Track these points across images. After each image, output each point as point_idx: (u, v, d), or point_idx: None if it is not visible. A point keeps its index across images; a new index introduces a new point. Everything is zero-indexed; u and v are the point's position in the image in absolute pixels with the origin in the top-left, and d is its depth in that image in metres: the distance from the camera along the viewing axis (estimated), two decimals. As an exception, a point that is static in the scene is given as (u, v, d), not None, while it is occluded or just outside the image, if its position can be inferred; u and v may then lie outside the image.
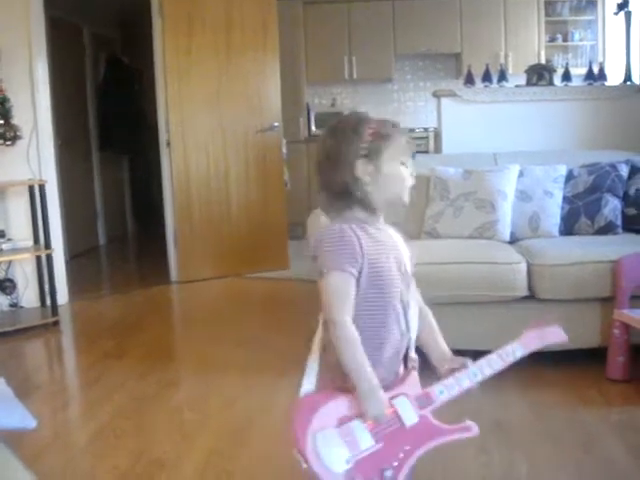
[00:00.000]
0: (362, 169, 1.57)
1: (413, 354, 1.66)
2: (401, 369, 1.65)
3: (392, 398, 1.58)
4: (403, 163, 1.61)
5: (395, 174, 1.60)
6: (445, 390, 1.60)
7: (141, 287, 5.45)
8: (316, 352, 1.67)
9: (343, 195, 1.60)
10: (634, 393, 2.93)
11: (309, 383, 1.63)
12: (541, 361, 3.22)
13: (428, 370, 1.69)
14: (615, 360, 3.11)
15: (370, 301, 1.58)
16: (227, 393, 3.14)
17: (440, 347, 1.71)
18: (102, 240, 7.55)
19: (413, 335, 1.66)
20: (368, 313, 1.59)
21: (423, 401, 1.59)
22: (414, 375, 1.62)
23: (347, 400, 1.57)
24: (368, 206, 1.60)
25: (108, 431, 2.78)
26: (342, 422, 1.56)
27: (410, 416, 1.57)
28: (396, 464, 1.57)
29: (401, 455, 1.57)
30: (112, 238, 7.71)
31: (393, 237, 1.65)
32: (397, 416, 1.57)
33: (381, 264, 1.58)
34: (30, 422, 2.07)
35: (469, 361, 1.64)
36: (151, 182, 7.66)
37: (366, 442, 1.55)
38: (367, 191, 1.59)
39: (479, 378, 1.62)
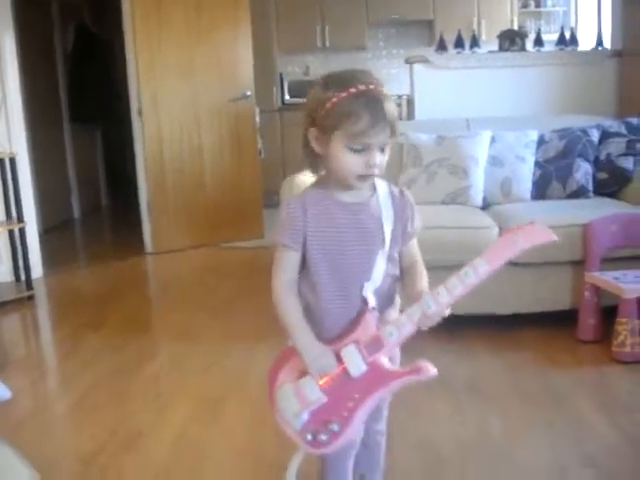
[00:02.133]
0: (314, 137, 1.55)
1: (366, 294, 1.59)
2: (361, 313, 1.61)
3: (342, 348, 1.56)
4: (355, 150, 1.49)
5: (339, 158, 1.51)
6: (395, 330, 1.53)
7: (116, 259, 5.43)
8: None
9: (306, 154, 1.61)
10: (603, 353, 2.99)
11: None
12: (514, 323, 3.29)
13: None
14: (586, 322, 3.16)
15: (320, 263, 1.59)
16: (204, 361, 3.16)
17: (417, 290, 1.62)
18: (76, 213, 7.50)
19: (373, 284, 1.60)
20: (315, 283, 1.61)
21: (373, 347, 1.54)
22: (367, 318, 1.57)
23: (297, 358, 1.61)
24: (317, 172, 1.61)
25: (86, 402, 2.79)
26: (298, 377, 1.60)
27: (357, 366, 1.55)
28: (345, 415, 1.57)
29: (350, 405, 1.57)
30: (86, 210, 7.66)
31: (359, 206, 1.60)
32: (344, 367, 1.56)
33: (330, 234, 1.58)
34: (5, 393, 2.07)
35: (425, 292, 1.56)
36: (125, 153, 7.60)
37: (314, 396, 1.58)
38: (317, 158, 1.58)
39: (433, 309, 1.50)
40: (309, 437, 1.61)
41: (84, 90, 7.40)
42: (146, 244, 5.57)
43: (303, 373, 1.60)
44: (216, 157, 5.69)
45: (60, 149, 7.28)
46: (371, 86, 1.49)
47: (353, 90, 1.47)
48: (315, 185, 1.64)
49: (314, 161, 1.60)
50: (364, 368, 1.55)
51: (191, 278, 4.80)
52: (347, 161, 1.51)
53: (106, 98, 7.75)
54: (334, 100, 1.48)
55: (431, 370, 1.52)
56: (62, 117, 7.34)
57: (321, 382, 1.58)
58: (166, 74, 5.40)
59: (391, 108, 1.49)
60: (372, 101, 1.47)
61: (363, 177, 1.53)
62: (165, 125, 5.45)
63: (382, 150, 1.52)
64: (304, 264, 1.62)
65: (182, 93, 5.49)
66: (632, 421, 2.43)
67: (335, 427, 1.59)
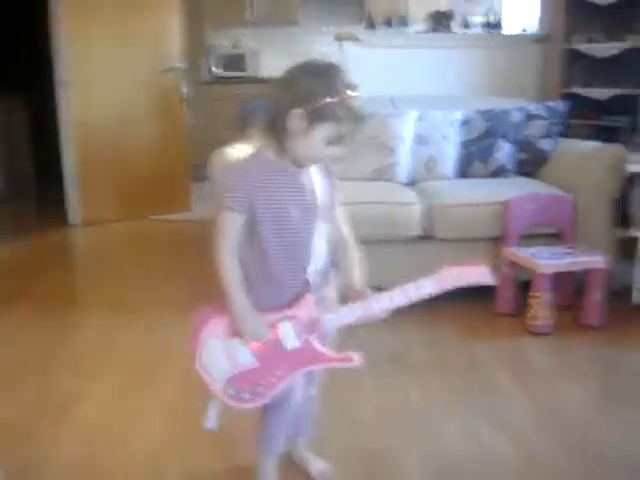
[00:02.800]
0: (296, 118, 1.60)
1: (309, 275, 1.71)
2: (304, 292, 1.72)
3: (279, 320, 1.68)
4: (332, 144, 1.61)
5: (312, 145, 1.61)
6: (335, 319, 1.69)
7: (41, 231, 5.33)
8: None
9: (272, 125, 1.65)
10: (519, 326, 3.14)
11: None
12: (435, 298, 3.39)
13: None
14: (503, 296, 3.30)
15: (264, 231, 1.67)
16: (132, 332, 3.17)
17: (352, 279, 1.78)
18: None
19: (314, 264, 1.73)
20: (264, 240, 1.68)
21: (310, 327, 1.68)
22: (307, 299, 1.69)
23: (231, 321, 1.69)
24: (281, 148, 1.66)
25: (11, 374, 2.76)
26: (229, 336, 1.69)
27: (292, 340, 1.68)
28: (272, 380, 1.69)
29: (278, 373, 1.69)
30: (10, 182, 7.45)
31: (304, 177, 1.70)
32: (279, 338, 1.68)
33: (273, 202, 1.66)
34: None
35: (370, 294, 1.72)
36: (50, 122, 7.41)
37: (245, 359, 1.69)
38: (287, 136, 1.63)
39: (374, 310, 1.69)
40: (231, 392, 1.71)
41: (10, 58, 7.17)
42: (71, 216, 5.48)
43: (231, 333, 1.68)
44: (144, 129, 5.63)
45: (-19, 117, 7.06)
46: (355, 93, 1.61)
47: (350, 95, 1.59)
48: (257, 154, 1.70)
49: (282, 135, 1.64)
50: (298, 344, 1.68)
51: (118, 250, 4.77)
52: (318, 150, 1.63)
53: (31, 65, 7.53)
54: (336, 99, 1.58)
55: (357, 360, 1.69)
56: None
57: (254, 348, 1.67)
58: (94, 44, 5.29)
59: (364, 112, 1.64)
60: (359, 110, 1.61)
61: (317, 161, 1.69)
62: (92, 95, 5.36)
63: None
64: (250, 230, 1.68)
65: (110, 63, 5.39)
66: (542, 388, 2.58)
67: (260, 389, 1.70)
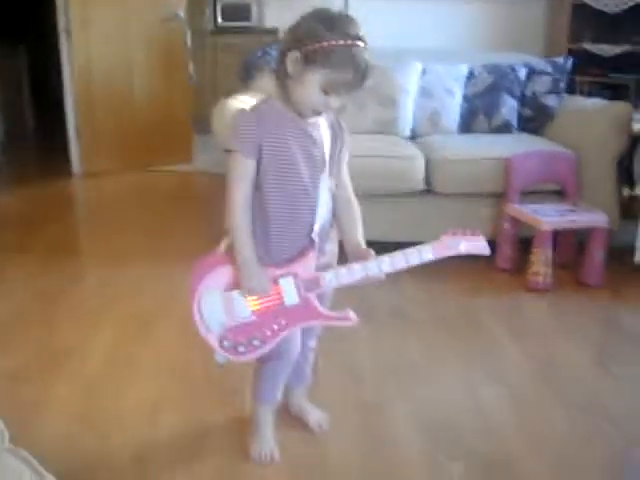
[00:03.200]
0: (292, 61, 1.58)
1: (316, 237, 1.71)
2: (306, 247, 1.72)
3: (281, 276, 1.67)
4: (327, 92, 1.57)
5: (307, 90, 1.58)
6: (335, 278, 1.68)
7: (42, 181, 5.30)
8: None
9: (277, 69, 1.64)
10: (519, 282, 3.14)
11: (224, 246, 1.74)
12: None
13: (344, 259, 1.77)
14: (504, 252, 3.30)
15: (270, 182, 1.66)
16: (132, 284, 3.18)
17: (353, 238, 1.77)
18: (0, 136, 7.26)
19: (318, 219, 1.72)
20: (269, 192, 1.67)
21: (310, 284, 1.68)
22: (309, 257, 1.69)
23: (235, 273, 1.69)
24: (282, 89, 1.64)
25: (12, 325, 2.77)
26: (229, 288, 1.68)
27: (291, 296, 1.68)
28: (268, 334, 1.70)
29: (275, 327, 1.70)
30: (11, 132, 7.41)
31: (313, 129, 1.67)
32: (279, 293, 1.68)
33: (281, 152, 1.64)
34: None
35: (372, 255, 1.71)
36: (51, 72, 7.34)
37: (243, 312, 1.69)
38: (288, 81, 1.61)
39: (374, 272, 1.67)
40: (226, 344, 1.72)
41: (7, 5, 7.08)
42: (73, 166, 5.46)
43: (232, 285, 1.68)
44: (146, 79, 5.57)
45: (-19, 67, 6.99)
46: (360, 44, 1.55)
47: (350, 42, 1.54)
48: (266, 101, 1.69)
49: (283, 80, 1.63)
50: (297, 301, 1.68)
51: (119, 201, 4.76)
52: (313, 96, 1.59)
53: (32, 14, 7.44)
54: (332, 43, 1.53)
55: (353, 320, 1.71)
56: (-18, 32, 7.03)
57: (253, 302, 1.67)
58: (95, -10, 5.22)
59: (370, 64, 1.58)
60: (361, 61, 1.55)
61: (317, 112, 1.63)
62: (94, 45, 5.29)
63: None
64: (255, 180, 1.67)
65: (112, 12, 5.31)
66: (539, 345, 2.60)
67: (256, 342, 1.71)
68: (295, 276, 1.68)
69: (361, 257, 1.71)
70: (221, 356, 1.75)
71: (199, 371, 2.35)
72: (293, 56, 1.57)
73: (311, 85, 1.57)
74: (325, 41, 1.53)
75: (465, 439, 2.01)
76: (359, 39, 1.55)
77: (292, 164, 1.65)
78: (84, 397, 2.21)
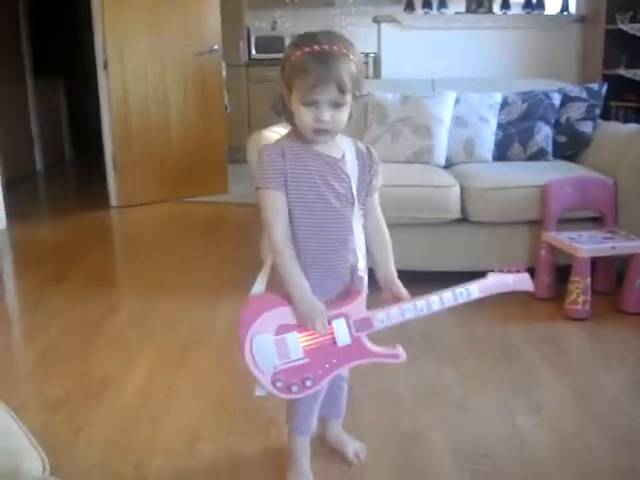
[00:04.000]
0: (284, 93, 1.63)
1: (360, 274, 1.71)
2: (348, 288, 1.73)
3: (332, 317, 1.66)
4: (306, 105, 1.58)
5: (296, 110, 1.60)
6: (386, 319, 1.68)
7: (81, 212, 5.41)
8: (268, 262, 1.75)
9: (283, 110, 1.68)
10: (557, 310, 3.11)
11: (259, 286, 1.72)
12: (472, 280, 3.37)
13: (376, 288, 1.79)
14: (541, 280, 3.27)
15: (296, 221, 1.67)
16: (168, 314, 3.21)
17: (386, 269, 1.77)
18: (39, 165, 7.43)
19: (359, 257, 1.72)
20: (295, 232, 1.67)
21: (361, 326, 1.68)
22: (361, 297, 1.69)
23: (289, 310, 1.67)
24: (293, 124, 1.67)
25: (52, 354, 2.81)
26: (280, 331, 1.66)
27: (344, 337, 1.67)
28: (320, 373, 1.69)
29: (326, 366, 1.69)
30: (50, 163, 7.58)
31: (339, 162, 1.68)
32: (332, 335, 1.67)
33: (306, 185, 1.65)
34: None
35: (406, 294, 1.72)
36: (89, 105, 7.50)
37: (296, 354, 1.67)
38: (290, 112, 1.64)
39: (424, 313, 1.68)
40: (280, 384, 1.69)
41: (48, 41, 7.26)
42: (111, 197, 5.56)
43: (282, 328, 1.67)
44: (182, 111, 5.67)
45: (23, 101, 7.17)
46: (325, 46, 1.55)
47: (307, 49, 1.55)
48: (291, 135, 1.70)
49: (288, 115, 1.67)
50: (349, 341, 1.67)
51: (156, 232, 4.82)
52: (301, 115, 1.60)
53: (70, 49, 7.62)
54: (292, 58, 1.58)
55: (403, 357, 1.73)
56: (25, 68, 7.21)
57: (304, 343, 1.67)
58: (132, 26, 5.34)
59: (340, 67, 1.55)
60: (321, 60, 1.54)
61: (317, 131, 1.61)
62: (130, 78, 5.41)
63: (335, 107, 1.58)
64: None
65: (148, 46, 5.44)
66: (577, 373, 2.56)
67: (309, 383, 1.70)
68: (347, 317, 1.67)
69: (395, 290, 1.73)
70: (260, 390, 1.74)
71: (236, 401, 2.36)
72: (283, 90, 1.63)
73: (297, 106, 1.59)
74: (288, 60, 1.58)
75: (503, 469, 1.98)
76: (320, 44, 1.55)
77: (318, 198, 1.66)
78: (122, 426, 2.22)
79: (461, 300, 1.70)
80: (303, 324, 1.66)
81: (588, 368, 2.61)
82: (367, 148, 1.75)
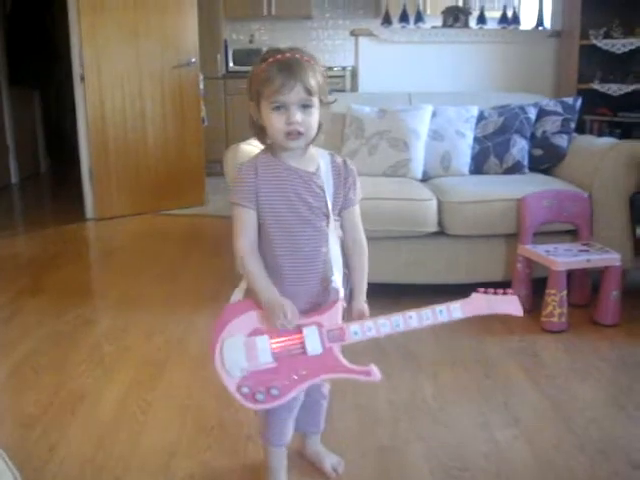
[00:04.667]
0: (252, 110, 1.68)
1: (335, 286, 1.71)
2: (323, 300, 1.73)
3: (304, 325, 1.66)
4: (276, 108, 1.62)
5: (267, 118, 1.64)
6: (360, 332, 1.65)
7: (56, 225, 5.37)
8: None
9: (250, 126, 1.72)
10: (533, 323, 3.12)
11: (237, 295, 1.75)
12: (448, 293, 3.38)
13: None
14: (517, 293, 3.27)
15: (270, 233, 1.69)
16: (145, 327, 3.18)
17: (359, 291, 1.76)
18: (14, 178, 7.35)
19: (334, 269, 1.72)
20: (270, 243, 1.70)
21: (334, 336, 1.66)
22: (336, 308, 1.68)
23: (262, 314, 1.68)
24: (265, 142, 1.71)
25: (26, 367, 2.78)
26: (253, 334, 1.67)
27: (315, 347, 1.65)
28: (287, 383, 1.66)
29: (294, 377, 1.67)
30: (25, 176, 7.51)
31: (307, 174, 1.69)
32: (302, 343, 1.66)
33: (279, 199, 1.67)
34: None
35: (365, 315, 1.72)
36: (65, 117, 7.45)
37: (264, 358, 1.66)
38: (262, 129, 1.69)
39: (401, 329, 1.65)
40: (245, 390, 1.68)
41: (23, 52, 7.21)
42: (87, 210, 5.52)
43: (254, 332, 1.67)
44: (159, 124, 5.65)
45: (-3, 112, 7.11)
46: (287, 54, 1.62)
47: (271, 60, 1.62)
48: (265, 151, 1.73)
49: (259, 132, 1.71)
50: (320, 351, 1.65)
51: (133, 245, 4.79)
52: (272, 122, 1.63)
53: (46, 60, 7.57)
54: (257, 71, 1.64)
55: (376, 375, 1.68)
56: (0, 80, 7.14)
57: (275, 347, 1.65)
58: (109, 39, 5.32)
59: (304, 71, 1.61)
60: (284, 66, 1.60)
61: (290, 135, 1.63)
62: (107, 91, 5.38)
63: (304, 109, 1.62)
64: (259, 222, 1.70)
65: (125, 58, 5.42)
66: (554, 385, 2.57)
67: (275, 391, 1.67)
68: (320, 326, 1.66)
69: (359, 310, 1.72)
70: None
71: (213, 416, 2.34)
72: (251, 106, 1.67)
73: (267, 114, 1.63)
74: (254, 74, 1.64)
75: (482, 484, 1.98)
76: (282, 54, 1.62)
77: (291, 212, 1.67)
78: (97, 443, 2.20)
79: (441, 319, 1.66)
80: (269, 321, 1.65)
81: (565, 380, 2.62)
82: (344, 161, 1.76)
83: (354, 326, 1.66)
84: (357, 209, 1.79)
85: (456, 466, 2.05)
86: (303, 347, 1.66)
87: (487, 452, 2.13)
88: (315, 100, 1.63)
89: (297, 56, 1.62)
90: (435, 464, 2.07)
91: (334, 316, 1.68)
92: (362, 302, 1.75)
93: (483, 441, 2.19)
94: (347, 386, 2.47)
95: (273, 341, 1.66)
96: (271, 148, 1.71)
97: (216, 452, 2.14)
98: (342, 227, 1.77)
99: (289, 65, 1.60)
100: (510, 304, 1.71)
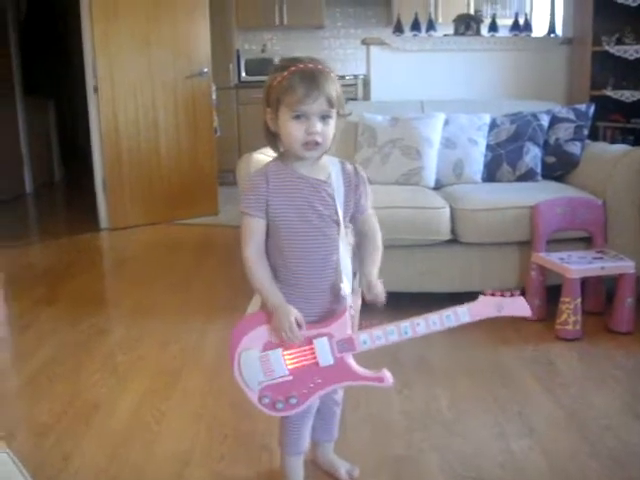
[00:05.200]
0: (268, 117, 1.67)
1: (344, 294, 1.70)
2: (333, 308, 1.73)
3: (315, 337, 1.67)
4: (296, 117, 1.61)
5: (286, 127, 1.63)
6: (369, 341, 1.66)
7: (71, 234, 5.40)
8: None
9: (265, 134, 1.72)
10: (547, 331, 3.11)
11: (254, 307, 1.77)
12: (463, 301, 3.37)
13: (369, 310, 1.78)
14: (531, 301, 3.26)
15: (281, 241, 1.70)
16: (159, 337, 3.19)
17: (368, 276, 1.74)
18: (29, 188, 7.40)
19: (344, 277, 1.72)
20: (281, 251, 1.71)
21: (344, 347, 1.67)
22: (345, 317, 1.68)
23: (271, 327, 1.69)
24: (277, 150, 1.72)
25: (42, 376, 2.80)
26: (266, 348, 1.68)
27: (326, 358, 1.67)
28: (304, 391, 1.69)
29: (311, 385, 1.69)
30: (39, 185, 7.57)
31: (318, 182, 1.69)
32: (314, 354, 1.67)
33: (289, 208, 1.68)
34: None
35: (382, 296, 1.69)
36: (78, 126, 7.49)
37: (280, 371, 1.68)
38: (275, 137, 1.69)
39: (409, 336, 1.65)
40: (266, 400, 1.71)
41: (38, 62, 7.26)
42: (101, 220, 5.55)
43: (268, 345, 1.68)
44: (172, 134, 5.68)
45: (12, 122, 7.15)
46: (310, 65, 1.62)
47: (293, 69, 1.61)
48: (276, 159, 1.74)
49: (272, 140, 1.71)
50: (332, 362, 1.66)
51: (146, 254, 4.81)
52: (291, 130, 1.63)
53: (60, 70, 7.62)
54: (278, 79, 1.63)
55: (389, 380, 1.68)
56: (14, 89, 7.20)
57: (289, 361, 1.67)
58: (122, 49, 5.36)
59: (327, 82, 1.62)
60: (306, 76, 1.61)
61: (308, 145, 1.63)
62: (120, 101, 5.42)
63: (323, 119, 1.63)
64: (270, 236, 1.71)
65: (138, 69, 5.45)
66: (569, 394, 2.56)
67: (293, 400, 1.70)
68: (330, 337, 1.67)
69: (371, 295, 1.69)
70: None
71: (227, 425, 2.35)
72: (267, 114, 1.67)
73: (285, 121, 1.63)
74: (273, 82, 1.63)
75: (497, 493, 1.97)
76: (302, 63, 1.62)
77: (302, 220, 1.68)
78: (111, 453, 2.20)
79: (448, 324, 1.65)
80: (277, 333, 1.66)
81: (580, 388, 2.61)
82: (354, 168, 1.76)
83: (363, 335, 1.67)
84: (373, 213, 1.80)
85: (471, 476, 2.04)
86: (315, 358, 1.67)
87: (502, 462, 2.11)
88: (334, 112, 1.64)
89: (319, 67, 1.63)
90: (450, 474, 2.06)
91: (343, 326, 1.68)
92: (372, 275, 1.72)
93: (498, 451, 2.18)
94: (360, 396, 2.47)
95: (286, 353, 1.68)
96: (282, 156, 1.72)
97: (230, 461, 2.14)
98: (360, 232, 1.78)
99: (313, 75, 1.60)
100: (518, 305, 1.67)
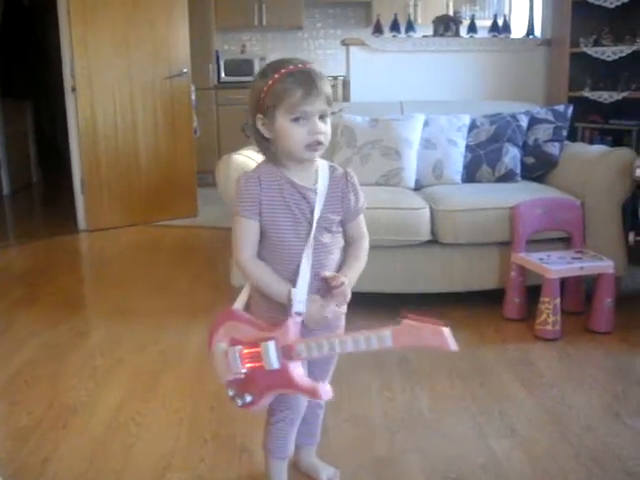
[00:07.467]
0: (260, 122, 1.64)
1: (295, 298, 1.63)
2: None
3: (263, 340, 1.62)
4: (295, 120, 1.59)
5: (286, 132, 1.60)
6: (305, 351, 1.59)
7: (49, 236, 5.35)
8: (246, 287, 1.78)
9: (256, 140, 1.69)
10: (527, 331, 3.13)
11: (240, 302, 1.75)
12: (443, 302, 3.39)
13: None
14: (511, 301, 3.29)
15: (270, 244, 1.69)
16: (139, 338, 3.17)
17: (344, 264, 1.73)
18: (6, 190, 7.32)
19: (302, 286, 1.65)
20: (271, 254, 1.69)
21: (285, 352, 1.61)
22: (291, 323, 1.62)
23: (245, 326, 1.67)
24: (270, 155, 1.68)
25: (20, 379, 2.77)
26: (231, 343, 1.67)
27: (271, 361, 1.61)
28: (256, 392, 1.67)
29: (261, 387, 1.66)
30: (17, 187, 7.49)
31: (305, 189, 1.67)
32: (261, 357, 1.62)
33: (276, 213, 1.66)
34: None
35: (344, 279, 1.65)
36: (56, 128, 7.44)
37: (235, 369, 1.65)
38: (267, 142, 1.66)
39: (337, 350, 1.56)
40: (231, 393, 1.70)
41: (15, 64, 7.20)
42: (79, 221, 5.50)
43: (233, 341, 1.67)
44: (151, 135, 5.65)
45: (-11, 123, 7.09)
46: (300, 65, 1.60)
47: (284, 70, 1.58)
48: (267, 162, 1.71)
49: (265, 146, 1.68)
50: (277, 366, 1.61)
51: (125, 256, 4.78)
52: (293, 133, 1.60)
53: (38, 71, 7.56)
54: (270, 82, 1.59)
55: (325, 396, 1.60)
56: (-9, 91, 7.14)
57: (246, 360, 1.64)
58: (100, 50, 5.32)
59: (322, 81, 1.60)
60: (303, 76, 1.58)
61: (310, 146, 1.61)
62: (99, 102, 5.38)
63: (322, 119, 1.61)
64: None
65: (116, 69, 5.41)
66: (549, 394, 2.57)
67: (248, 398, 1.67)
68: (277, 341, 1.61)
69: (333, 280, 1.66)
70: (231, 391, 1.73)
71: (207, 428, 2.33)
72: (259, 121, 1.63)
73: (284, 125, 1.60)
74: (265, 85, 1.59)
75: (479, 494, 1.97)
76: (293, 64, 1.59)
77: (291, 225, 1.66)
78: (90, 457, 2.18)
79: (373, 346, 1.51)
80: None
81: (559, 388, 2.62)
82: (344, 173, 1.73)
83: (301, 345, 1.59)
84: (362, 218, 1.79)
85: (452, 477, 2.04)
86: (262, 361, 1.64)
87: (484, 463, 2.12)
88: (329, 110, 1.62)
89: (311, 66, 1.61)
90: (431, 475, 2.06)
91: (287, 333, 1.61)
92: (346, 276, 1.67)
93: (480, 451, 2.18)
94: (342, 397, 2.47)
95: (246, 352, 1.65)
96: (273, 159, 1.68)
97: (210, 464, 2.13)
98: (349, 237, 1.76)
99: (309, 76, 1.58)
100: (439, 337, 1.47)
